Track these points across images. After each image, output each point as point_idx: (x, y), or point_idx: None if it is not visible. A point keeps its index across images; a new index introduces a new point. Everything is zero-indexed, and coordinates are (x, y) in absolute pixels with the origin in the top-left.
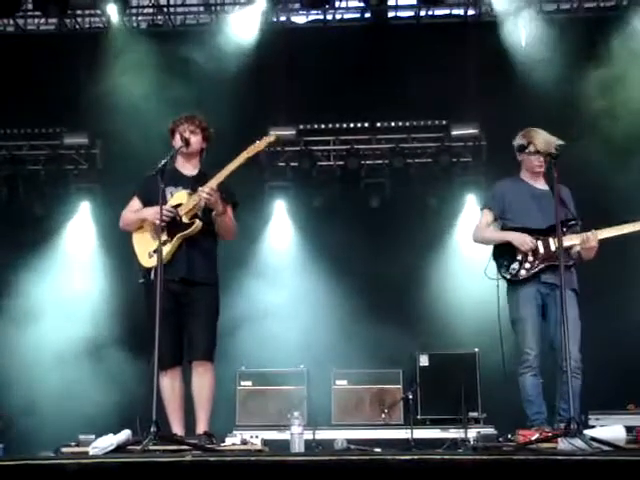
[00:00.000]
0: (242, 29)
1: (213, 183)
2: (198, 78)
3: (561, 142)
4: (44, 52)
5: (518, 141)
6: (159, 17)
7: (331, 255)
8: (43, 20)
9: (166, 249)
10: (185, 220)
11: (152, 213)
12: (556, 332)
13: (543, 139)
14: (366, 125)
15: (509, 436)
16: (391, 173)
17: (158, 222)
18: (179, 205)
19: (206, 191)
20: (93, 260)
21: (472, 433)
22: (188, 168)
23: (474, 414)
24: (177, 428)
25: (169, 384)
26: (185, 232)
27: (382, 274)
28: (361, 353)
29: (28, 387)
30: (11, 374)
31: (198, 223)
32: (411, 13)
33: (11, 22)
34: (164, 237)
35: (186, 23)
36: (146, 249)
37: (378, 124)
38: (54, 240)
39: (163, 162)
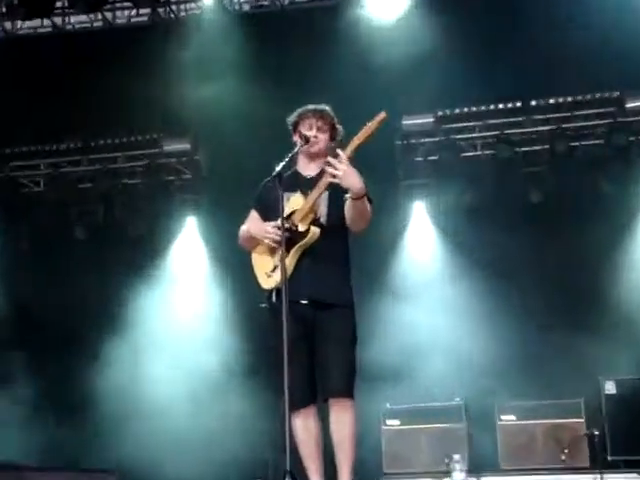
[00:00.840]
0: (360, 6)
1: (343, 156)
2: (313, 65)
3: None
4: (136, 48)
5: None
6: None
7: (486, 264)
8: (134, 12)
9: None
10: (301, 228)
11: (259, 230)
12: None
13: None
14: (518, 105)
15: None
16: (553, 160)
17: (266, 241)
18: (294, 212)
19: (336, 167)
20: (206, 282)
21: None
22: (311, 169)
23: None
24: (315, 477)
25: (303, 426)
26: (301, 242)
27: (552, 283)
28: (531, 380)
29: (147, 431)
30: (125, 416)
31: (314, 230)
32: None
33: (99, 16)
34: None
35: (295, 1)
36: (264, 268)
37: (533, 102)
38: (159, 262)
39: (281, 164)
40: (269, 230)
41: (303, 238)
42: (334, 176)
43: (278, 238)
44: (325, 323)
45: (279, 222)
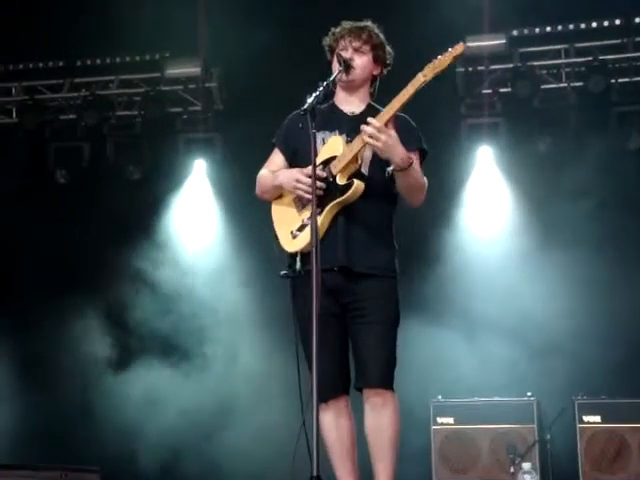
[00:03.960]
0: None
1: (381, 119)
2: None
3: None
4: None
5: None
6: None
7: (571, 227)
8: None
9: None
10: (340, 181)
11: (289, 178)
12: None
13: None
14: (617, 23)
15: None
16: None
17: (299, 192)
18: (333, 159)
19: (369, 131)
20: (215, 242)
21: None
22: (352, 104)
23: None
24: None
25: (333, 421)
26: (339, 199)
27: None
28: (621, 373)
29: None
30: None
31: (358, 184)
32: None
33: None
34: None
35: None
36: (288, 226)
37: (637, 19)
38: (160, 214)
39: (315, 95)
40: (302, 179)
41: (342, 193)
42: (372, 143)
43: (308, 188)
44: (361, 297)
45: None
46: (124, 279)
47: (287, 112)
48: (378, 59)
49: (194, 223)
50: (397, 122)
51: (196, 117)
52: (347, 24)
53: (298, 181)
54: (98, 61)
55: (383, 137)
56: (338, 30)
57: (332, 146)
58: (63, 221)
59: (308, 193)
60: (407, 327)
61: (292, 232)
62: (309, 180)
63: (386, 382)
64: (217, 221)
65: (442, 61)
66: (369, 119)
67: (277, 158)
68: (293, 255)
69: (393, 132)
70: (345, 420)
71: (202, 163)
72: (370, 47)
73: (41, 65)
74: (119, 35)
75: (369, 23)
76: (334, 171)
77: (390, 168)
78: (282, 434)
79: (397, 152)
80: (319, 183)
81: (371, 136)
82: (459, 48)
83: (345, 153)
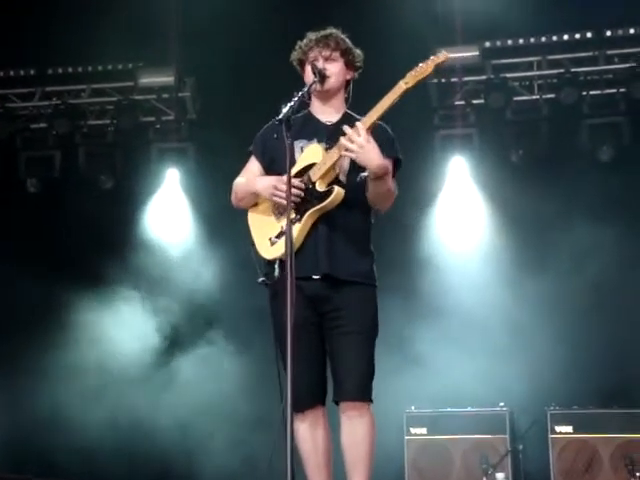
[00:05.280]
0: None
1: (361, 127)
2: None
3: None
4: None
5: None
6: None
7: (542, 237)
8: None
9: (294, 232)
10: (319, 188)
11: (266, 185)
12: None
13: None
14: (589, 36)
15: None
16: (629, 108)
17: (276, 199)
18: (311, 166)
19: (351, 139)
20: (190, 252)
21: None
22: (327, 113)
23: None
24: None
25: (309, 432)
26: (319, 206)
27: (624, 264)
28: (593, 384)
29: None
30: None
31: (338, 191)
32: None
33: None
34: (292, 214)
35: None
36: (266, 233)
37: (608, 32)
38: (132, 224)
39: (290, 105)
40: (279, 187)
41: (321, 199)
42: (347, 150)
43: (292, 198)
44: (341, 305)
45: (292, 178)
46: (95, 290)
47: (260, 122)
48: (349, 63)
49: (167, 232)
50: (376, 130)
51: (169, 126)
52: (312, 35)
53: (275, 188)
54: (70, 69)
55: (359, 140)
56: (305, 42)
57: (311, 153)
58: (34, 230)
59: (285, 200)
60: (379, 337)
61: (270, 239)
62: (285, 186)
63: (364, 395)
64: (190, 231)
65: (424, 69)
66: (345, 128)
67: (253, 166)
68: (271, 262)
69: (371, 139)
70: (321, 430)
71: (175, 172)
72: (340, 53)
73: (12, 73)
74: (91, 43)
75: (333, 30)
76: (314, 178)
77: (364, 174)
78: None
79: (374, 159)
80: (296, 191)
81: (349, 140)
82: (441, 57)
83: (325, 160)
